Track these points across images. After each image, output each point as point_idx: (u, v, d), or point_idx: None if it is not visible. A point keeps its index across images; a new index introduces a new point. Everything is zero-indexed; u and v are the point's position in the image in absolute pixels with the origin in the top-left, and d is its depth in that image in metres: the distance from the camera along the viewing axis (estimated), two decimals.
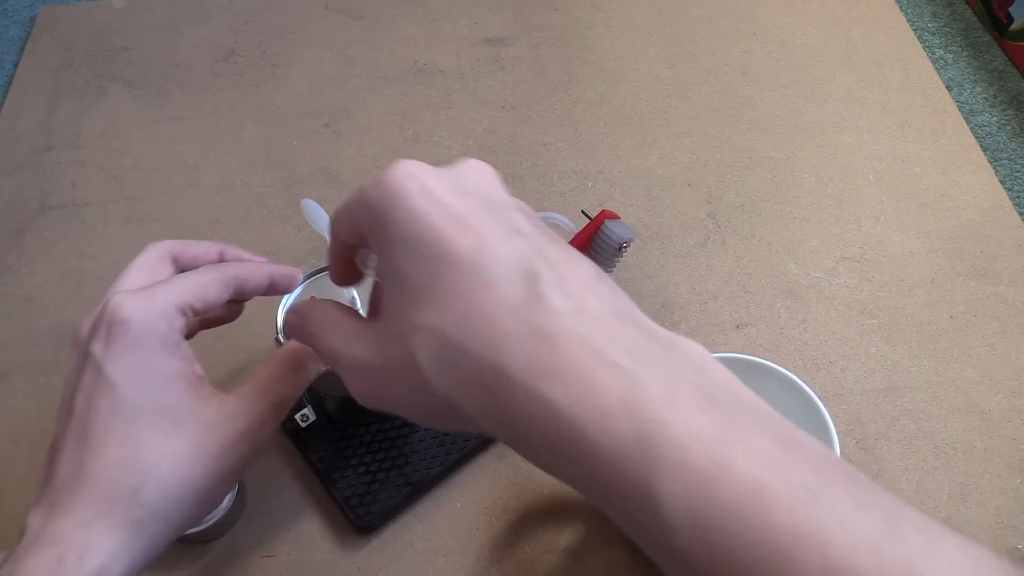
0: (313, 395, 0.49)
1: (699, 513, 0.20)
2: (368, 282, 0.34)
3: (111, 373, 0.32)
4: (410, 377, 0.26)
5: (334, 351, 0.29)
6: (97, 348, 0.32)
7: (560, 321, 0.24)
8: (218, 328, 0.43)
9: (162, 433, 0.32)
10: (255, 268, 0.38)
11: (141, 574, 0.32)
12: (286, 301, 0.44)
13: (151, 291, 0.34)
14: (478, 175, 0.28)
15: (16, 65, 0.74)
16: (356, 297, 0.43)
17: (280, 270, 0.39)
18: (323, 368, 0.40)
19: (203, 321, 0.42)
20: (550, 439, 0.23)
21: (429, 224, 0.25)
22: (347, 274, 0.33)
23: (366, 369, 0.27)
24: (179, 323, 0.34)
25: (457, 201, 0.26)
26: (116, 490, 0.31)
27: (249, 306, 0.44)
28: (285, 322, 0.34)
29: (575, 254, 0.27)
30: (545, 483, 0.49)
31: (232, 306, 0.42)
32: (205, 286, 0.35)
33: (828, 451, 0.22)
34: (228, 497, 0.46)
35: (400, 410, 0.27)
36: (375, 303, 0.31)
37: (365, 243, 0.29)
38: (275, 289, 0.40)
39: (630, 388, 0.22)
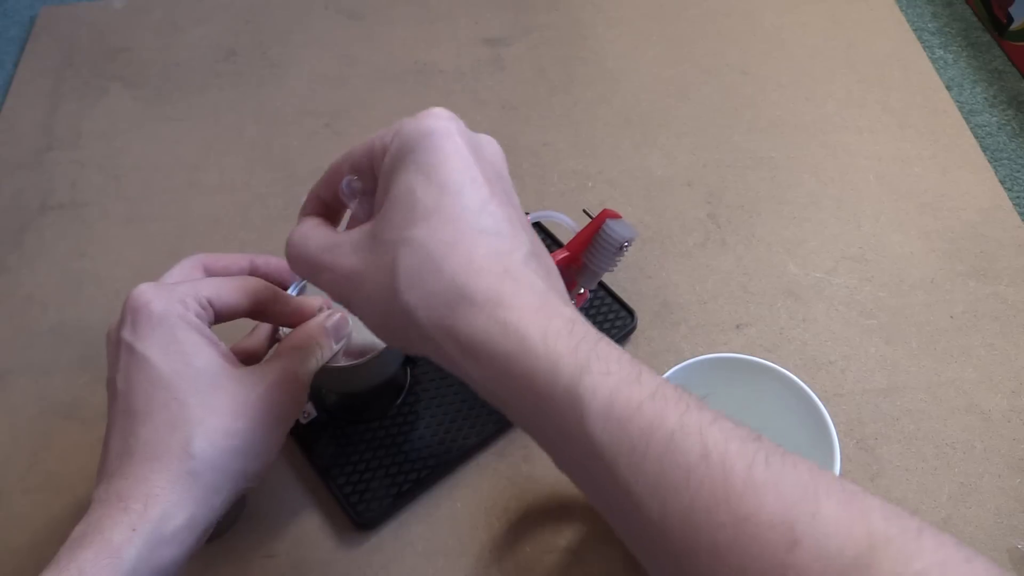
0: (314, 392, 0.49)
1: (612, 407, 0.26)
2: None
3: (143, 349, 0.35)
4: (382, 283, 0.30)
5: (317, 258, 0.33)
6: (126, 333, 0.35)
7: (527, 274, 0.29)
8: (219, 327, 0.44)
9: (202, 392, 0.34)
10: (285, 297, 0.41)
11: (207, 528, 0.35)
12: None
13: (168, 284, 0.37)
14: (492, 148, 0.33)
15: (16, 65, 0.74)
16: None
17: (309, 302, 0.42)
18: (336, 345, 0.41)
19: None
20: (499, 351, 0.27)
21: (451, 163, 0.30)
22: (317, 211, 0.37)
23: (343, 271, 0.31)
24: (195, 308, 0.37)
25: (475, 159, 0.31)
26: (167, 447, 0.33)
27: None
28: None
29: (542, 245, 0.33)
30: (545, 483, 0.49)
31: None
32: (226, 288, 0.38)
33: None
34: None
35: (364, 310, 0.31)
36: (354, 221, 0.35)
37: (370, 168, 0.33)
38: (302, 322, 0.42)
39: (572, 325, 0.28)
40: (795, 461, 0.25)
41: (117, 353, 0.36)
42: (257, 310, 0.40)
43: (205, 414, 0.34)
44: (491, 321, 0.28)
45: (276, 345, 0.40)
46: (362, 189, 0.34)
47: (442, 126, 0.31)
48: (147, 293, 0.36)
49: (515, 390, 0.28)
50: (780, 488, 0.24)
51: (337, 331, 0.41)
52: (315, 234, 0.34)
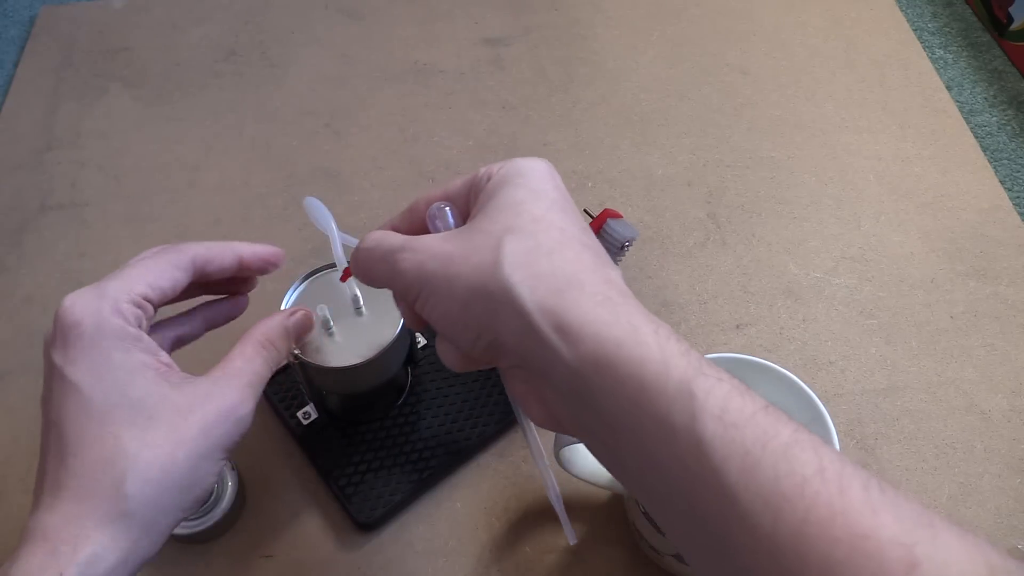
0: (315, 393, 0.49)
1: (727, 410, 0.25)
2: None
3: (73, 377, 0.32)
4: (479, 262, 0.29)
5: (399, 244, 0.32)
6: (57, 356, 0.33)
7: (627, 289, 0.29)
8: (223, 329, 0.44)
9: (137, 426, 0.32)
10: (218, 247, 0.38)
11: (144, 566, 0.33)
12: (286, 301, 0.44)
13: (100, 288, 0.35)
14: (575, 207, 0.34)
15: (16, 65, 0.74)
16: (359, 295, 0.43)
17: (250, 249, 0.39)
18: (294, 348, 0.40)
19: (209, 321, 0.42)
20: (605, 335, 0.27)
21: (556, 192, 0.32)
22: (409, 229, 0.36)
23: (431, 251, 0.31)
24: (134, 315, 0.34)
25: (572, 203, 0.33)
26: (99, 486, 0.31)
27: (251, 307, 0.44)
28: (354, 257, 0.34)
29: None
30: None
31: (232, 303, 0.43)
32: (158, 273, 0.36)
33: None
34: (228, 497, 0.46)
35: (447, 287, 0.30)
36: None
37: (466, 199, 0.34)
38: (248, 268, 0.39)
39: (678, 335, 0.28)
40: (905, 493, 0.24)
41: (50, 375, 0.33)
42: (200, 277, 0.38)
43: (140, 448, 0.32)
44: (601, 308, 0.28)
45: (224, 359, 0.37)
46: (451, 219, 0.34)
47: (548, 167, 0.33)
48: (76, 310, 0.33)
49: (616, 377, 0.27)
50: (898, 511, 0.23)
51: (298, 328, 0.40)
52: (392, 236, 0.33)
